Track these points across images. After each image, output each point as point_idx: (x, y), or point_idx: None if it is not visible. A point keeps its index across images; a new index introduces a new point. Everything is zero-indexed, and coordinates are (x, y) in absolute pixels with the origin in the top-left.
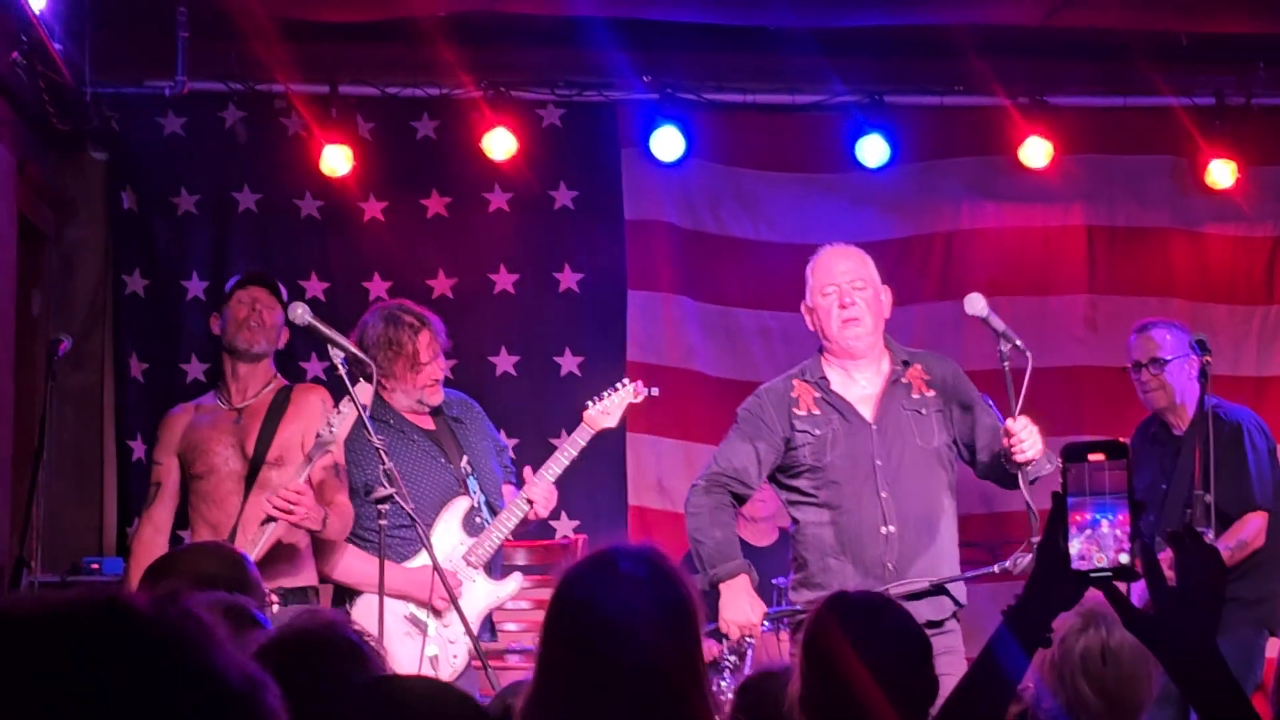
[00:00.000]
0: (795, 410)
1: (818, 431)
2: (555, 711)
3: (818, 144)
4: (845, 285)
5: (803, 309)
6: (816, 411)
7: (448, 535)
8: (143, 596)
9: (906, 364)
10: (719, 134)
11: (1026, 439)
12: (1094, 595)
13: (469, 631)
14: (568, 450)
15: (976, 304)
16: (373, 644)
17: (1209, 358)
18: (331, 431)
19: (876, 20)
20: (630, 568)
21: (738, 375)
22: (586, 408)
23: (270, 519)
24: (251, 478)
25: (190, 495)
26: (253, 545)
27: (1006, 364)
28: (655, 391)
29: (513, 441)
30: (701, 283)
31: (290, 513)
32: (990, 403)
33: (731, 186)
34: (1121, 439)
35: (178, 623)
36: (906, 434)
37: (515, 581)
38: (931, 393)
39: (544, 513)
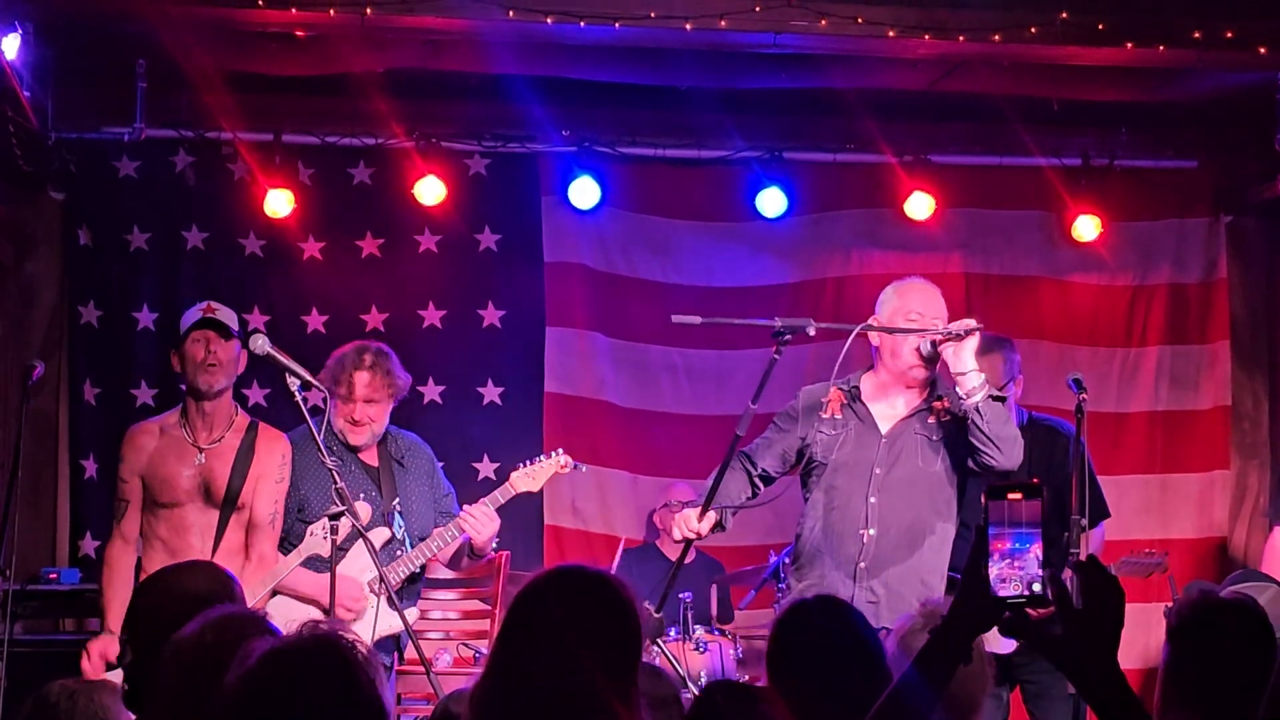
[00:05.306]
0: (821, 414)
1: (834, 431)
2: (499, 711)
3: (721, 195)
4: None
5: (875, 325)
6: (839, 416)
7: (359, 559)
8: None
9: (941, 397)
10: (631, 184)
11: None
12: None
13: (401, 615)
14: (488, 504)
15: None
16: (368, 652)
17: (1084, 396)
18: (326, 540)
19: (776, 83)
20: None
21: (646, 406)
22: (516, 468)
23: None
24: (224, 516)
25: (148, 515)
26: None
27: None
28: (584, 468)
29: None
30: (614, 320)
31: None
32: None
33: (642, 233)
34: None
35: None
36: (911, 453)
37: (409, 615)
38: (948, 418)
39: (480, 533)
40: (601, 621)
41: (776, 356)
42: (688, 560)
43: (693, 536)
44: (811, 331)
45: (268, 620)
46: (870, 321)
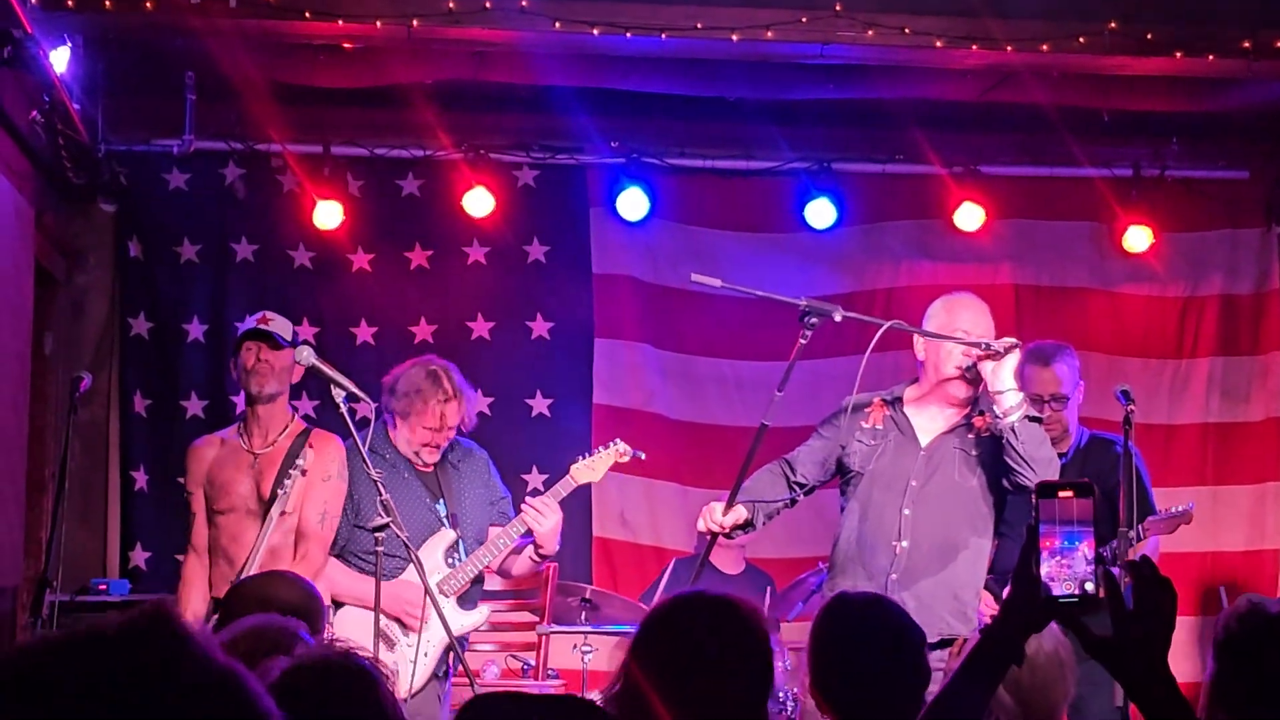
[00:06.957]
0: (863, 423)
1: (873, 441)
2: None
3: (771, 206)
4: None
5: (919, 340)
6: (880, 426)
7: (428, 562)
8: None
9: (982, 412)
10: (680, 196)
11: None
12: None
13: (446, 628)
14: (550, 498)
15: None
16: (384, 669)
17: (1133, 407)
18: (286, 491)
19: (825, 94)
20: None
21: (695, 418)
22: (575, 461)
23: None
24: (265, 516)
25: (210, 525)
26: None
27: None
28: (642, 455)
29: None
30: (663, 332)
31: None
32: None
33: (691, 244)
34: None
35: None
36: (948, 467)
37: (480, 614)
38: (987, 434)
39: (542, 524)
40: (724, 650)
41: (803, 340)
42: (736, 572)
43: (716, 529)
44: (838, 318)
45: (301, 632)
46: (900, 322)
